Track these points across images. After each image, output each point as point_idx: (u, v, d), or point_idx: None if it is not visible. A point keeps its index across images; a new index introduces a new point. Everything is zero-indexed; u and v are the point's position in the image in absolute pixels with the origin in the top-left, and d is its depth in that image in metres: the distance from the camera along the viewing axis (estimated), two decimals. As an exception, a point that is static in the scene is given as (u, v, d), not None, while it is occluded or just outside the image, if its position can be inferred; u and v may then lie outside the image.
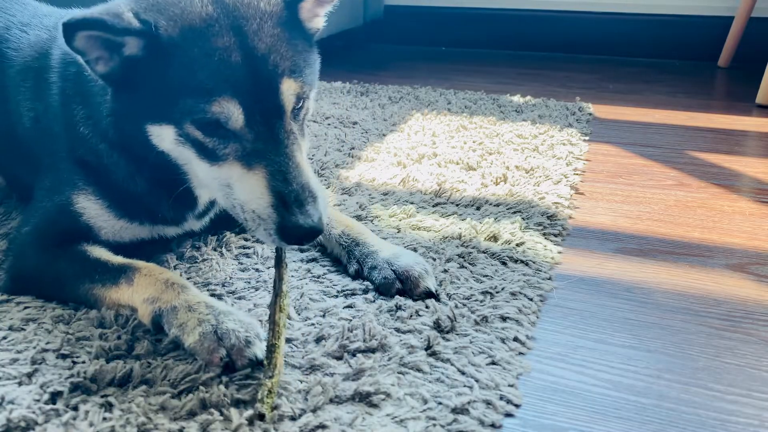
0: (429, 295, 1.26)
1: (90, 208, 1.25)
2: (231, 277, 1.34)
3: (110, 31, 1.03)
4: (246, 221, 1.09)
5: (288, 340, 1.13)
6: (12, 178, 1.67)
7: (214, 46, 1.04)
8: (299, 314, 1.21)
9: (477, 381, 1.03)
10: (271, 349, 1.01)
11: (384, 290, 1.28)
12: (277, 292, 1.10)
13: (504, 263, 1.41)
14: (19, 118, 1.39)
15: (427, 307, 1.23)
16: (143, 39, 1.05)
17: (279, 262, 1.15)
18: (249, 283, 1.32)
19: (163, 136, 1.10)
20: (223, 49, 1.05)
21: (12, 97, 1.41)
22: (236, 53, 1.05)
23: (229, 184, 1.09)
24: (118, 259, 1.20)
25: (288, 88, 1.09)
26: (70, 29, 1.01)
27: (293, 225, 1.04)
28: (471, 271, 1.37)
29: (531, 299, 1.28)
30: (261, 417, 0.93)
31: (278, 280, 1.12)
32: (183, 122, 1.07)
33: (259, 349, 1.04)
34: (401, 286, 1.27)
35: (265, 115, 1.07)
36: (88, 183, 1.26)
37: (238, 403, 0.97)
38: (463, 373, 1.05)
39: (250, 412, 0.94)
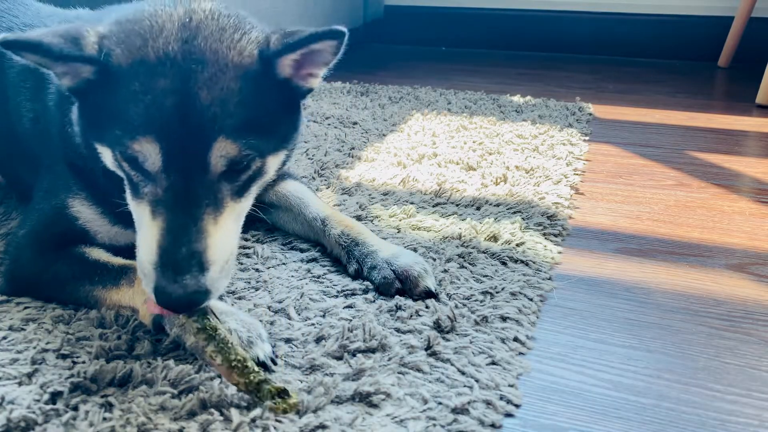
0: (429, 294, 1.26)
1: (85, 213, 1.24)
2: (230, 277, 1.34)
3: (50, 56, 0.98)
4: (138, 268, 1.02)
5: (288, 340, 1.13)
6: (12, 177, 1.67)
7: (154, 84, 0.98)
8: (299, 314, 1.21)
9: (477, 381, 1.03)
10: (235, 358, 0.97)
11: (384, 290, 1.28)
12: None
13: (504, 263, 1.41)
14: (19, 119, 1.39)
15: (427, 307, 1.23)
16: (94, 65, 1.01)
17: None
18: (249, 283, 1.32)
19: (105, 156, 1.07)
20: (162, 90, 0.97)
21: (12, 98, 1.41)
22: (173, 97, 0.97)
23: (139, 224, 1.04)
24: (118, 260, 1.20)
25: (221, 149, 0.98)
26: (7, 47, 0.97)
27: (161, 290, 0.96)
28: (471, 271, 1.37)
29: (531, 299, 1.28)
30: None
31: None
32: (115, 149, 1.02)
33: (261, 350, 1.04)
34: (401, 286, 1.27)
35: (186, 168, 0.98)
36: (81, 188, 1.25)
37: (238, 404, 0.97)
38: (463, 373, 1.05)
39: (252, 413, 0.94)
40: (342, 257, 1.39)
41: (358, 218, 1.61)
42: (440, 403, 0.98)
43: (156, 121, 0.97)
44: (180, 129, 0.97)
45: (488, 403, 0.99)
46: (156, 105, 0.97)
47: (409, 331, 1.16)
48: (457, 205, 1.72)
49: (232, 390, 0.99)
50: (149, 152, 0.97)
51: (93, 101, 1.05)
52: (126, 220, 1.24)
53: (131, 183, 1.03)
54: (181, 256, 0.96)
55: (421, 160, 2.06)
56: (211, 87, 0.99)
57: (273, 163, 1.10)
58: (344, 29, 1.03)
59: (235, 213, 1.05)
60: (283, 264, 1.40)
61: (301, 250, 1.47)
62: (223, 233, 1.01)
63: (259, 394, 0.95)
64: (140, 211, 1.02)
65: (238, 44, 1.04)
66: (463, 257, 1.42)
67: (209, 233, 0.98)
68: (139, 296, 1.13)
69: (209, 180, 1.00)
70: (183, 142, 0.97)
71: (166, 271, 0.96)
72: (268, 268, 1.38)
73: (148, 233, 0.99)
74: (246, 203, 1.08)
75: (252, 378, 0.95)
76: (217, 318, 1.02)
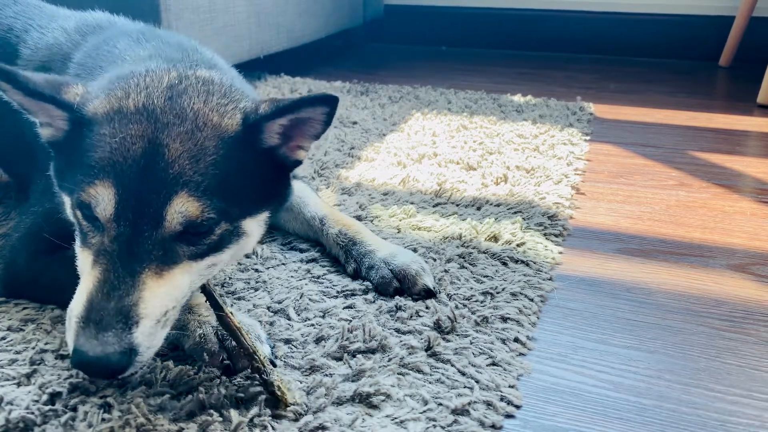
0: (428, 293, 1.26)
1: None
2: (230, 278, 1.33)
3: (22, 89, 0.96)
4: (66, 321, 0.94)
5: (287, 341, 1.12)
6: (20, 177, 1.67)
7: (124, 130, 0.94)
8: (299, 315, 1.21)
9: (477, 382, 1.03)
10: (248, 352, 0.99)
11: (382, 289, 1.28)
12: (218, 306, 1.02)
13: (504, 263, 1.41)
14: (25, 119, 1.39)
15: (427, 307, 1.23)
16: (67, 113, 0.99)
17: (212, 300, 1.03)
18: (248, 283, 1.32)
19: (66, 205, 1.03)
20: (131, 135, 0.93)
21: None
22: (141, 143, 0.93)
23: (81, 274, 0.97)
24: None
25: (180, 204, 0.91)
26: None
27: (79, 348, 0.86)
28: (471, 272, 1.37)
29: (531, 300, 1.28)
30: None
31: (212, 300, 1.03)
32: (72, 197, 0.97)
33: (260, 351, 1.04)
34: (399, 285, 1.27)
35: (140, 218, 0.91)
36: None
37: (237, 405, 0.97)
38: (463, 374, 1.05)
39: (252, 411, 0.94)
40: (340, 257, 1.39)
41: (358, 218, 1.61)
42: (440, 404, 0.98)
43: (117, 166, 0.92)
44: (141, 177, 0.92)
45: (489, 404, 0.99)
46: (121, 150, 0.93)
47: (409, 332, 1.15)
48: (457, 205, 1.71)
49: (231, 391, 0.98)
50: (103, 197, 0.91)
51: (64, 152, 1.02)
52: None
53: (81, 233, 0.98)
54: (111, 311, 0.88)
55: (421, 159, 2.06)
56: (184, 141, 0.94)
57: (251, 226, 1.03)
58: (336, 95, 0.99)
59: (192, 271, 0.97)
60: (283, 264, 1.40)
61: (301, 251, 1.47)
62: (167, 287, 0.93)
63: (264, 386, 0.97)
64: (83, 261, 0.96)
65: (222, 108, 1.01)
66: (463, 257, 1.42)
67: (147, 286, 0.91)
68: None
69: (161, 237, 0.92)
70: (141, 191, 0.91)
71: (88, 327, 0.87)
72: (268, 268, 1.38)
73: (82, 285, 0.93)
74: (209, 264, 0.99)
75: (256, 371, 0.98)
76: (226, 312, 1.01)
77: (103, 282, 0.90)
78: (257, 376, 0.98)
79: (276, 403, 0.96)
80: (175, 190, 0.92)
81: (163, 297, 0.92)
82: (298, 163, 1.09)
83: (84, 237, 0.97)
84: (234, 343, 1.02)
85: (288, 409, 0.96)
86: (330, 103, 0.99)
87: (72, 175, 0.97)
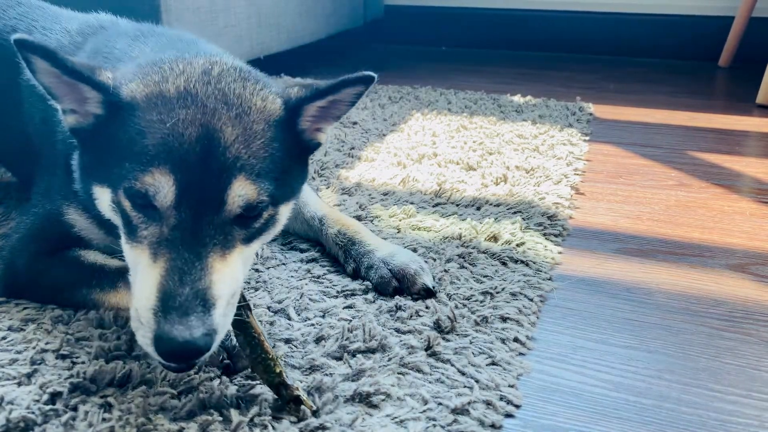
0: (427, 292, 1.27)
1: (80, 221, 1.22)
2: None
3: (61, 67, 0.94)
4: (132, 319, 0.93)
5: (287, 341, 1.12)
6: (24, 176, 1.67)
7: (174, 115, 0.93)
8: (299, 315, 1.21)
9: (477, 381, 1.03)
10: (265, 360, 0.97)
11: (381, 289, 1.28)
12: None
13: (504, 263, 1.41)
14: (31, 119, 1.39)
15: (427, 307, 1.23)
16: (103, 95, 0.97)
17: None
18: (248, 283, 1.32)
19: (102, 199, 1.01)
20: (182, 120, 0.93)
21: (27, 98, 1.41)
22: (195, 129, 0.93)
23: (135, 270, 0.96)
24: (115, 263, 1.19)
25: (240, 188, 0.93)
26: (21, 46, 0.93)
27: (165, 336, 0.86)
28: (471, 272, 1.37)
29: (531, 300, 1.28)
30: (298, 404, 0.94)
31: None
32: (118, 187, 0.95)
33: (279, 361, 1.03)
34: (398, 285, 1.28)
35: (200, 204, 0.91)
36: (78, 197, 1.20)
37: (237, 405, 0.97)
38: (463, 374, 1.05)
39: (251, 411, 0.94)
40: (339, 257, 1.39)
41: (358, 218, 1.61)
42: (440, 404, 0.98)
43: (174, 152, 0.91)
44: (199, 163, 0.91)
45: (488, 403, 0.99)
46: (175, 135, 0.92)
47: (409, 332, 1.15)
48: (457, 205, 1.71)
49: (231, 390, 0.98)
50: (162, 185, 0.91)
51: (97, 140, 1.01)
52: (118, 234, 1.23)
53: (129, 226, 0.96)
54: (188, 295, 0.88)
55: (421, 160, 2.06)
56: (235, 125, 0.95)
57: (284, 212, 1.05)
58: (373, 74, 1.01)
59: (243, 256, 0.98)
60: (283, 264, 1.40)
61: (301, 251, 1.47)
62: (230, 269, 0.94)
63: (278, 395, 0.95)
64: (136, 256, 0.95)
65: (261, 92, 1.02)
66: (463, 257, 1.42)
67: (215, 269, 0.91)
68: None
69: (222, 220, 0.93)
70: (201, 176, 0.91)
71: (169, 315, 0.87)
72: (268, 268, 1.38)
73: (146, 278, 0.91)
74: (254, 250, 1.02)
75: (272, 378, 0.95)
76: (250, 311, 0.98)
77: (173, 270, 0.89)
78: (274, 387, 0.95)
79: (296, 410, 0.94)
80: (234, 174, 0.93)
81: (229, 279, 0.93)
82: (318, 145, 1.11)
83: (133, 230, 0.95)
84: (234, 342, 1.02)
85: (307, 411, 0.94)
86: (367, 82, 1.02)
87: (114, 165, 0.95)
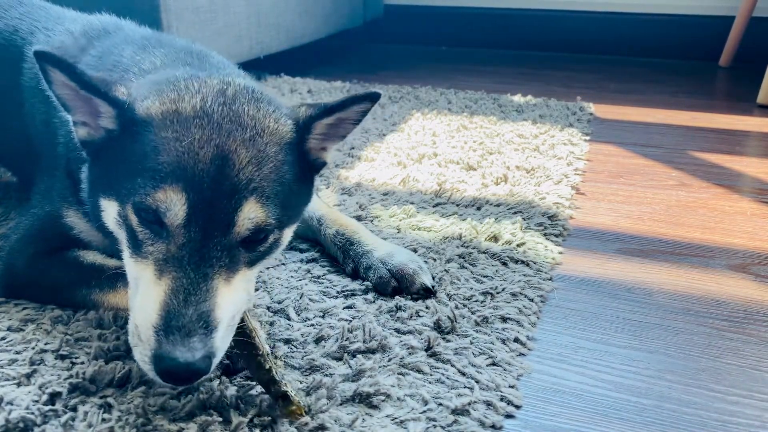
0: (427, 292, 1.26)
1: (79, 224, 1.22)
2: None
3: (78, 81, 0.95)
4: (129, 335, 0.93)
5: (287, 341, 1.12)
6: (25, 176, 1.67)
7: (189, 134, 0.93)
8: (299, 315, 1.20)
9: (477, 382, 1.03)
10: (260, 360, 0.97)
11: (381, 289, 1.28)
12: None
13: (504, 264, 1.41)
14: (32, 120, 1.39)
15: (427, 307, 1.23)
16: (117, 110, 0.97)
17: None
18: (249, 283, 1.31)
19: (109, 212, 1.00)
20: (198, 140, 0.93)
21: (28, 99, 1.41)
22: (210, 149, 0.93)
23: (137, 285, 0.96)
24: (114, 263, 1.19)
25: (250, 211, 0.93)
26: (41, 57, 0.94)
27: (166, 356, 0.85)
28: (471, 272, 1.36)
29: (532, 300, 1.27)
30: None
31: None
32: (126, 202, 0.95)
33: (272, 358, 1.03)
34: (397, 285, 1.27)
35: (210, 224, 0.91)
36: (77, 201, 1.21)
37: (237, 405, 0.96)
38: (463, 374, 1.05)
39: (251, 412, 0.94)
40: (338, 257, 1.39)
41: (358, 218, 1.61)
42: (440, 404, 0.98)
43: (188, 171, 0.91)
44: (212, 183, 0.91)
45: (489, 404, 0.99)
46: (190, 154, 0.92)
47: (409, 332, 1.15)
48: (457, 205, 1.71)
49: (231, 391, 0.98)
50: (174, 203, 0.90)
51: (108, 154, 1.01)
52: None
53: (134, 241, 0.96)
54: (192, 316, 0.87)
55: (421, 159, 2.05)
56: (249, 147, 0.95)
57: (288, 235, 1.05)
58: (379, 91, 1.03)
59: (245, 279, 0.98)
60: (283, 264, 1.40)
61: (301, 251, 1.47)
62: (234, 293, 0.94)
63: (269, 393, 0.95)
64: (140, 270, 0.95)
65: (272, 114, 1.02)
66: (463, 257, 1.42)
67: (219, 292, 0.91)
68: None
69: (230, 242, 0.93)
70: (213, 197, 0.91)
71: (172, 334, 0.86)
72: (268, 268, 1.38)
73: (150, 294, 0.91)
74: (255, 273, 1.02)
75: (261, 375, 0.95)
76: (245, 312, 0.99)
77: (178, 289, 0.89)
78: (264, 383, 0.95)
79: (284, 406, 0.93)
80: (245, 196, 0.93)
81: (231, 303, 0.93)
82: (323, 165, 1.11)
83: (138, 245, 0.95)
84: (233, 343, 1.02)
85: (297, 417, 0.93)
86: (374, 99, 1.03)
87: (126, 180, 0.95)
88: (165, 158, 0.92)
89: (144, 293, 0.92)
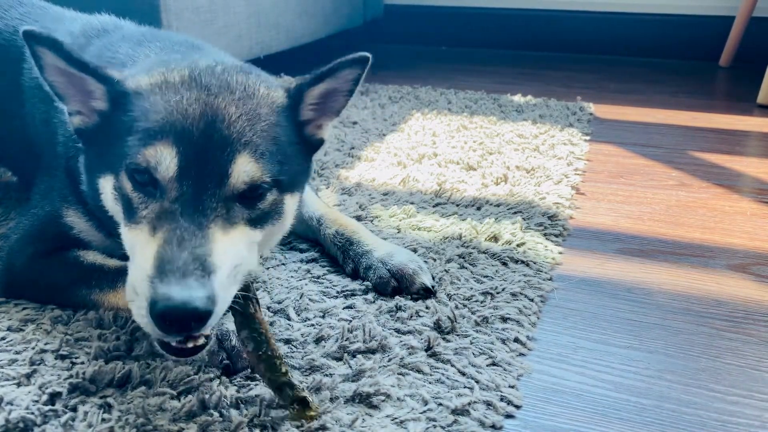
0: (426, 291, 1.26)
1: (79, 224, 1.22)
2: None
3: (67, 58, 0.96)
4: (126, 295, 0.90)
5: (287, 341, 1.12)
6: (25, 176, 1.67)
7: (178, 94, 0.95)
8: (299, 315, 1.20)
9: (477, 382, 1.03)
10: (271, 359, 0.95)
11: (381, 289, 1.28)
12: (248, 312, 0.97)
13: (504, 264, 1.41)
14: (32, 120, 1.39)
15: (427, 307, 1.23)
16: (108, 87, 0.99)
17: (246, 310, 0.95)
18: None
19: (106, 190, 1.00)
20: (186, 98, 0.94)
21: (29, 99, 1.41)
22: (198, 106, 0.94)
23: (133, 252, 0.93)
24: (114, 263, 1.19)
25: (244, 164, 0.92)
26: (29, 37, 0.95)
27: (162, 297, 0.81)
28: (471, 272, 1.36)
29: (532, 300, 1.27)
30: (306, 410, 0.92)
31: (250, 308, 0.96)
32: (119, 170, 0.95)
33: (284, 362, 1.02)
34: (397, 285, 1.27)
35: (203, 177, 0.90)
36: (77, 200, 1.21)
37: (237, 405, 0.96)
38: (463, 374, 1.05)
39: (251, 411, 0.94)
40: (338, 257, 1.39)
41: (358, 218, 1.61)
42: (440, 404, 0.98)
43: (177, 124, 0.92)
44: (203, 137, 0.92)
45: (489, 404, 0.99)
46: (179, 110, 0.93)
47: (409, 332, 1.15)
48: (457, 205, 1.71)
49: (231, 391, 0.98)
50: (164, 157, 0.90)
51: (101, 135, 1.02)
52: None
53: (129, 209, 0.95)
54: (187, 259, 0.84)
55: (421, 159, 2.05)
56: (239, 106, 0.97)
57: (290, 204, 1.04)
58: (367, 54, 1.05)
59: (247, 238, 0.95)
60: (283, 264, 1.40)
61: (301, 251, 1.47)
62: (232, 242, 0.91)
63: (281, 395, 0.93)
64: (135, 236, 0.93)
65: (263, 83, 1.04)
66: (463, 257, 1.42)
67: (216, 238, 0.89)
68: None
69: (225, 195, 0.92)
70: (204, 150, 0.91)
71: (166, 277, 0.82)
72: (268, 268, 1.38)
73: (144, 250, 0.88)
74: (259, 237, 0.99)
75: (276, 377, 0.93)
76: (257, 305, 0.96)
77: (171, 238, 0.87)
78: (277, 386, 0.93)
79: (301, 411, 0.92)
80: (238, 149, 0.93)
81: (231, 251, 0.91)
82: (321, 142, 1.13)
83: (133, 213, 0.94)
84: (234, 343, 1.02)
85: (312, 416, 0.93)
86: (363, 63, 1.05)
87: (115, 151, 0.96)
88: (154, 117, 0.94)
89: (139, 251, 0.90)
